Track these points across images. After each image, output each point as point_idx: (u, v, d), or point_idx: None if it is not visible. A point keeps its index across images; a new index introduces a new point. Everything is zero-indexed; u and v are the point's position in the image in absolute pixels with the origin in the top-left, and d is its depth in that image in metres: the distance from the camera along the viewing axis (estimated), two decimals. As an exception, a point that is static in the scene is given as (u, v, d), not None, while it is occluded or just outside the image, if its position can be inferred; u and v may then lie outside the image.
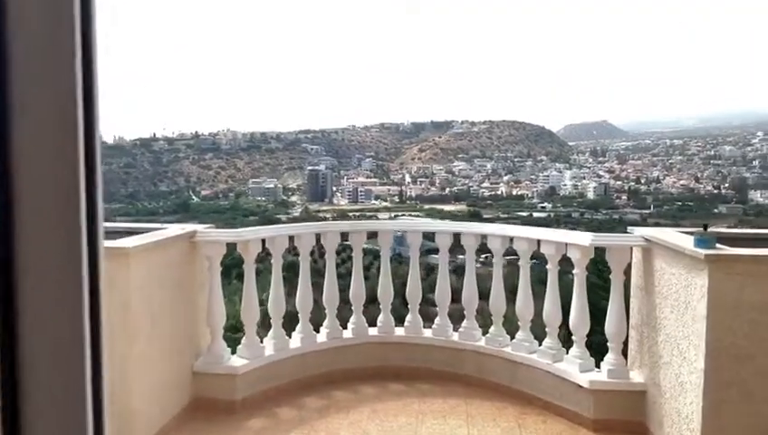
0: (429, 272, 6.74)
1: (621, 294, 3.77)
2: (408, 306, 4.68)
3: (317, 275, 4.60)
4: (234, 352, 4.19)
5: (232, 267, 4.99)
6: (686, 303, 3.08)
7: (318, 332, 4.58)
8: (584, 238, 3.71)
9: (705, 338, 2.84)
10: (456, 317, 4.60)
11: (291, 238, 4.36)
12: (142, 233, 3.93)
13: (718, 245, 3.01)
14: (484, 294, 4.50)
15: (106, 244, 3.35)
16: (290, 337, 4.45)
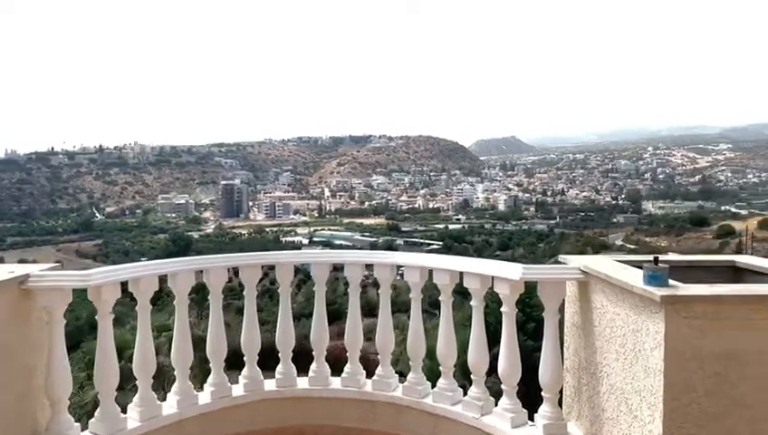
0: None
1: (557, 337, 3.26)
2: (314, 352, 3.95)
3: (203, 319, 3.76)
4: (85, 426, 3.26)
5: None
6: (635, 351, 2.59)
7: (202, 389, 3.74)
8: (513, 271, 3.17)
9: (661, 396, 2.35)
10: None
11: (163, 278, 3.51)
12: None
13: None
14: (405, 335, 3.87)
15: None
16: (164, 400, 3.58)
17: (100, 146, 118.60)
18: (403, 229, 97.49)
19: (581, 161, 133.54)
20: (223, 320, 3.78)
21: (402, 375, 3.90)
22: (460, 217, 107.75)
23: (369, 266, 3.95)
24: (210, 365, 3.76)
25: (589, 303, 3.11)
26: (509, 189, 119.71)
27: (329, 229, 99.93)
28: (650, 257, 3.35)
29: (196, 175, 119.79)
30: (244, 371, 3.87)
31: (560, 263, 3.42)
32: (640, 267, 3.09)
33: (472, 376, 3.47)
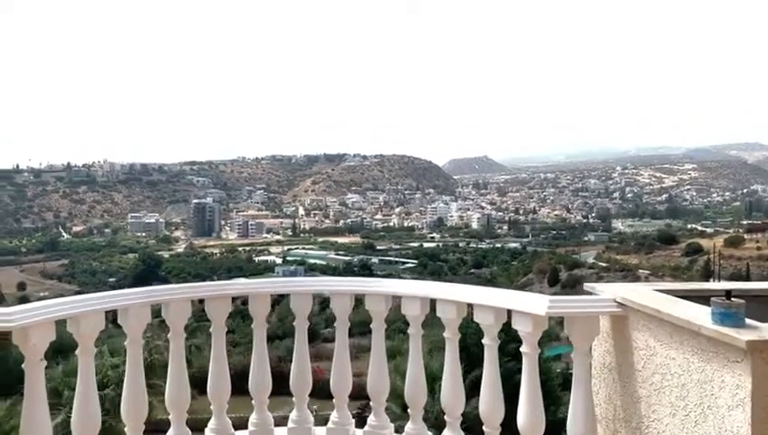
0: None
1: (588, 382, 2.74)
2: (294, 399, 3.35)
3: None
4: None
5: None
6: (702, 407, 2.08)
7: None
8: (537, 304, 2.65)
9: (746, 468, 1.84)
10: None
11: (111, 314, 2.88)
12: None
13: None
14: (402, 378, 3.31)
15: None
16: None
17: (68, 163, 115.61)
18: (378, 248, 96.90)
19: (552, 180, 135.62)
20: (185, 363, 3.16)
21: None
22: (435, 235, 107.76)
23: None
24: (169, 417, 3.12)
25: (627, 341, 2.61)
26: (482, 208, 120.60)
27: (303, 248, 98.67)
28: (705, 286, 2.90)
29: (167, 193, 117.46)
30: (211, 422, 3.23)
31: (588, 293, 2.92)
32: (686, 298, 2.64)
33: (485, 428, 2.92)
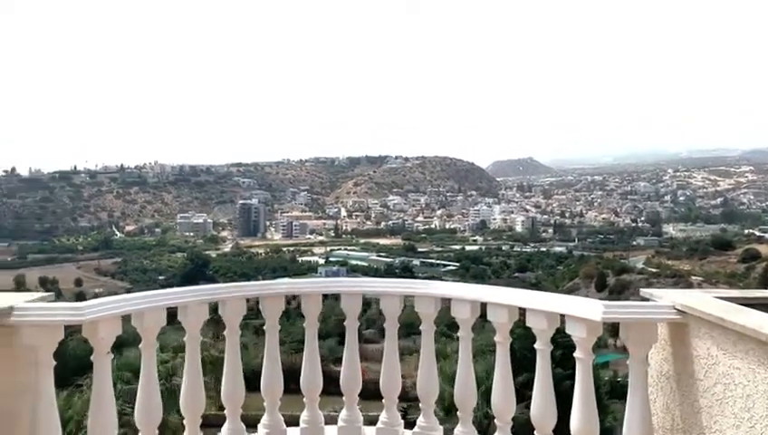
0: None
1: (645, 389, 2.67)
2: (344, 398, 3.41)
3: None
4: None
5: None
6: (771, 420, 2.01)
7: (215, 438, 3.21)
8: (592, 310, 2.61)
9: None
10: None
11: (172, 311, 3.01)
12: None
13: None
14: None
15: None
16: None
17: (122, 165, 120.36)
18: (419, 250, 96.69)
19: (600, 183, 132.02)
20: (240, 359, 3.26)
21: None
22: (477, 238, 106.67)
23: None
24: (225, 412, 3.22)
25: (687, 349, 2.54)
26: (526, 211, 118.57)
27: (345, 249, 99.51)
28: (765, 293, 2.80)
29: (215, 194, 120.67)
30: (264, 418, 3.33)
31: (645, 299, 2.86)
32: (748, 306, 2.55)
33: (536, 434, 2.90)
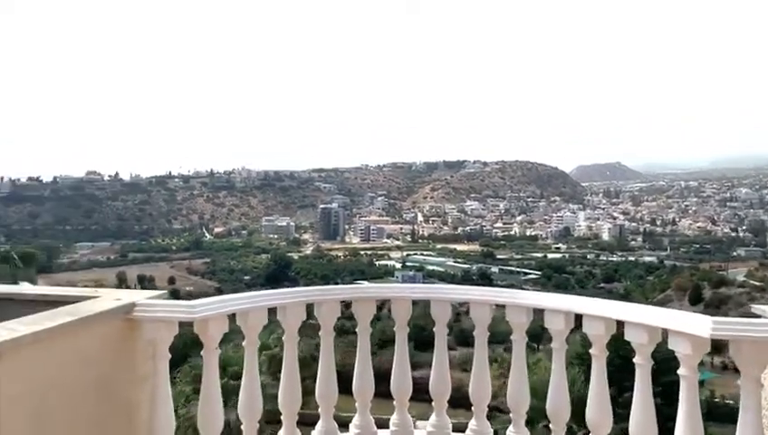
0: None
1: (758, 412, 2.50)
2: (433, 404, 3.44)
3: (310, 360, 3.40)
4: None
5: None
6: None
7: (309, 436, 3.35)
8: (699, 325, 2.48)
9: None
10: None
11: (272, 311, 3.19)
12: (62, 303, 2.79)
13: None
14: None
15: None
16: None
17: (212, 170, 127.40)
18: (498, 257, 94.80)
19: (695, 189, 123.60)
20: (334, 360, 3.39)
21: None
22: (560, 245, 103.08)
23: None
24: (319, 410, 3.36)
25: (810, 373, 2.35)
26: (614, 218, 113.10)
27: (422, 254, 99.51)
28: None
29: (297, 199, 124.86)
30: (356, 419, 3.44)
31: (756, 315, 2.68)
32: None
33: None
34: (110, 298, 2.86)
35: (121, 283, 66.49)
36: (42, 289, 3.15)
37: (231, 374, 5.39)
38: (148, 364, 2.89)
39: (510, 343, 3.30)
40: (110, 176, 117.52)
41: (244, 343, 3.09)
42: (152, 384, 2.86)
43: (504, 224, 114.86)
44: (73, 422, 2.49)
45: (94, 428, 2.63)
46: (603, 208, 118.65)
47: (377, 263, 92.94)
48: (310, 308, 3.34)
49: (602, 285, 73.42)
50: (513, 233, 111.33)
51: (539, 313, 3.22)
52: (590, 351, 2.99)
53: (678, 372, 2.63)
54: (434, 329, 3.49)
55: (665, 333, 2.71)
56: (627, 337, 2.81)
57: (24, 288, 3.22)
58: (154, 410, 2.84)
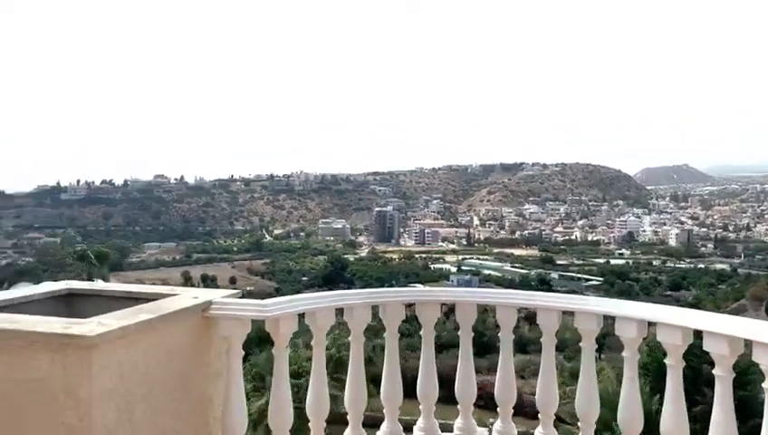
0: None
1: None
2: (498, 410, 3.40)
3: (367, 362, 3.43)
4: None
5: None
6: None
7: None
8: (790, 337, 2.34)
9: None
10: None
11: (339, 311, 3.25)
12: (144, 300, 2.96)
13: None
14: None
15: (57, 329, 2.36)
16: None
17: (272, 174, 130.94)
18: (558, 262, 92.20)
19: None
20: (399, 362, 3.41)
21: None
22: (623, 251, 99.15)
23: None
24: (384, 411, 3.39)
25: None
26: (681, 223, 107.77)
27: (477, 258, 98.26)
28: None
29: (353, 201, 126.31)
30: (420, 421, 3.44)
31: None
32: None
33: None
34: (188, 296, 3.00)
35: (186, 282, 69.35)
36: (125, 287, 3.35)
37: (290, 374, 5.52)
38: (222, 361, 3.01)
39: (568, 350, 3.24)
40: (176, 179, 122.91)
41: (311, 343, 3.17)
42: (226, 381, 2.98)
43: (565, 228, 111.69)
44: (156, 415, 2.63)
45: (175, 422, 2.77)
46: (670, 213, 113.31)
47: (432, 266, 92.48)
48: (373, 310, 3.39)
49: (669, 292, 70.03)
50: (573, 238, 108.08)
51: (607, 320, 3.14)
52: (666, 361, 2.88)
53: (763, 385, 2.49)
54: (499, 335, 3.45)
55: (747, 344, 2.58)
56: (705, 347, 2.69)
57: (111, 285, 3.42)
58: (228, 406, 2.94)
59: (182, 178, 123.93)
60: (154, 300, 2.97)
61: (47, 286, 3.28)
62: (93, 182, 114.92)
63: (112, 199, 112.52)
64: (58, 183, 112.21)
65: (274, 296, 3.37)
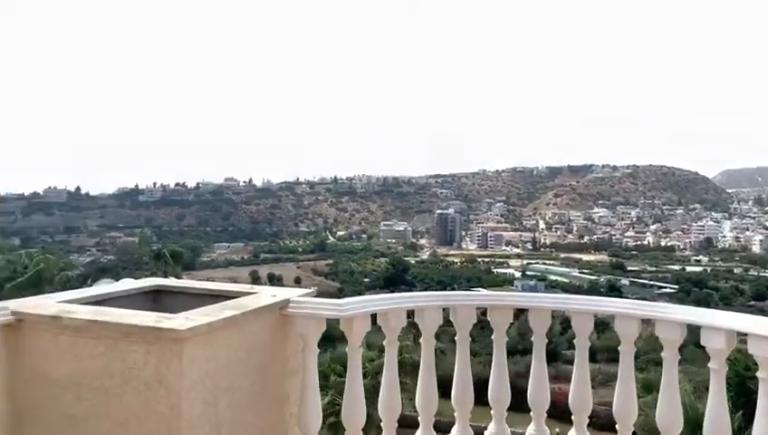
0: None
1: None
2: (573, 418, 3.32)
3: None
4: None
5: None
6: None
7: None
8: None
9: None
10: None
11: (410, 313, 3.27)
12: (224, 298, 3.10)
13: None
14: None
15: (150, 323, 2.51)
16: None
17: (335, 177, 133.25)
18: (629, 268, 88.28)
19: None
20: (469, 366, 3.40)
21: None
22: (701, 258, 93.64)
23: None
24: (455, 414, 3.38)
25: None
26: (766, 228, 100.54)
27: (543, 263, 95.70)
28: None
29: (415, 204, 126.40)
30: (491, 426, 3.40)
31: None
32: None
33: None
34: (266, 294, 3.12)
35: (254, 281, 71.74)
36: (207, 284, 3.51)
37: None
38: (298, 358, 3.10)
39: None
40: (244, 182, 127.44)
41: (384, 342, 3.21)
42: (302, 378, 3.06)
43: (636, 233, 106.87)
44: (238, 410, 2.75)
45: (254, 417, 2.87)
46: (753, 217, 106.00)
47: (495, 271, 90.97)
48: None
49: (752, 302, 65.46)
50: (645, 243, 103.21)
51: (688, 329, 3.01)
52: (758, 374, 2.70)
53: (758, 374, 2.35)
54: (574, 341, 3.36)
55: None
56: (750, 350, 2.60)
57: (194, 283, 3.59)
58: (304, 403, 3.02)
59: (250, 180, 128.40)
60: (234, 298, 3.10)
61: (139, 282, 3.50)
62: (168, 185, 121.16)
63: (185, 201, 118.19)
64: (136, 185, 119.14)
65: (337, 297, 3.44)
